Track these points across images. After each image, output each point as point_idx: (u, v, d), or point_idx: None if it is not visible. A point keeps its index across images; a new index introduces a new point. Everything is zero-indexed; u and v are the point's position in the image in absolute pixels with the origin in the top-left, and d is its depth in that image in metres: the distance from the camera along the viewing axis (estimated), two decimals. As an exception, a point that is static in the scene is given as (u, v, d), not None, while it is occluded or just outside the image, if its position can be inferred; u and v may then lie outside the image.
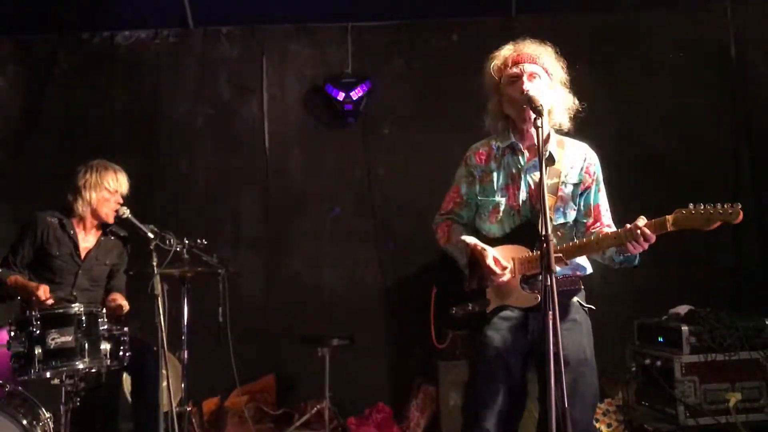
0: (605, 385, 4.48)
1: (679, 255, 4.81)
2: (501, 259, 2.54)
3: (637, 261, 2.48)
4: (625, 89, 5.16)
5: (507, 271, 2.52)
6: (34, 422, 3.05)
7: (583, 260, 2.65)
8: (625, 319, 4.55)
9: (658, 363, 4.10)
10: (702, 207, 2.23)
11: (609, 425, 4.49)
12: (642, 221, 2.32)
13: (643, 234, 2.30)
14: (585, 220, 2.65)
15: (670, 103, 5.14)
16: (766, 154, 5.07)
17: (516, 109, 2.57)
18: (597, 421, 4.39)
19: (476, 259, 2.59)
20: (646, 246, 2.34)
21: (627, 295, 4.88)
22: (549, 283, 2.10)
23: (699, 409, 3.92)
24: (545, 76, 2.58)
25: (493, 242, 2.63)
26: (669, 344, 4.14)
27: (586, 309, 2.63)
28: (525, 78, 2.53)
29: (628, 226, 2.35)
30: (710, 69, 5.23)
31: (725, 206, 2.21)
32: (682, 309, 4.35)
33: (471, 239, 2.64)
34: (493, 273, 2.52)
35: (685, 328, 4.04)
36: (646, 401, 4.25)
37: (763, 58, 5.15)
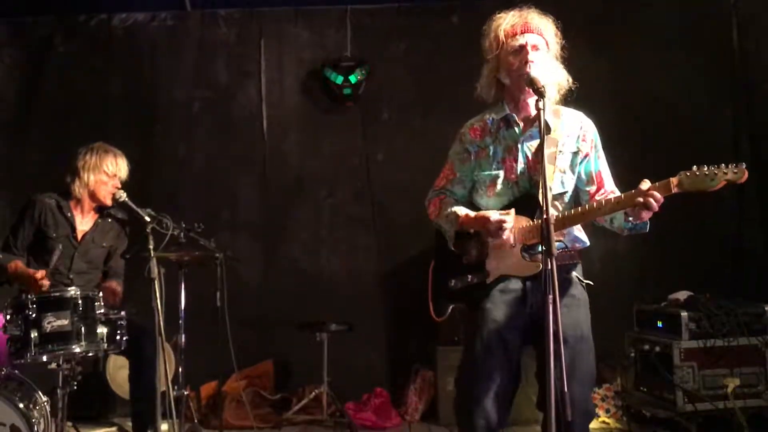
0: (604, 370, 4.48)
1: (679, 240, 4.82)
2: (503, 214, 2.48)
3: (647, 227, 2.44)
4: (624, 71, 5.13)
5: (509, 223, 2.46)
6: (31, 406, 3.04)
7: (580, 233, 2.62)
8: (624, 304, 4.54)
9: (657, 349, 4.10)
10: (706, 168, 2.20)
11: (607, 411, 4.50)
12: (646, 185, 2.29)
13: (650, 194, 2.25)
14: (588, 189, 2.62)
15: (670, 87, 5.11)
16: (767, 137, 5.04)
17: (514, 79, 2.55)
18: (596, 406, 4.39)
19: (471, 226, 2.56)
20: (655, 207, 2.28)
21: (626, 280, 4.89)
22: (549, 267, 2.08)
23: (697, 394, 3.92)
24: (545, 49, 2.56)
25: None
26: (668, 330, 4.14)
27: (584, 284, 2.61)
28: (529, 49, 2.50)
29: (633, 191, 2.32)
30: (712, 52, 5.19)
31: (729, 166, 2.18)
32: (682, 295, 4.34)
33: (462, 210, 2.62)
34: (498, 225, 2.44)
35: (684, 314, 4.04)
36: (645, 387, 4.25)
37: (765, 41, 5.11)
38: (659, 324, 4.23)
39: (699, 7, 5.21)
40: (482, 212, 2.55)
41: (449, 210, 2.67)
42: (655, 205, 2.28)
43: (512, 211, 2.49)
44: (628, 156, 4.39)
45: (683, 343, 3.99)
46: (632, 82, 5.13)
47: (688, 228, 4.76)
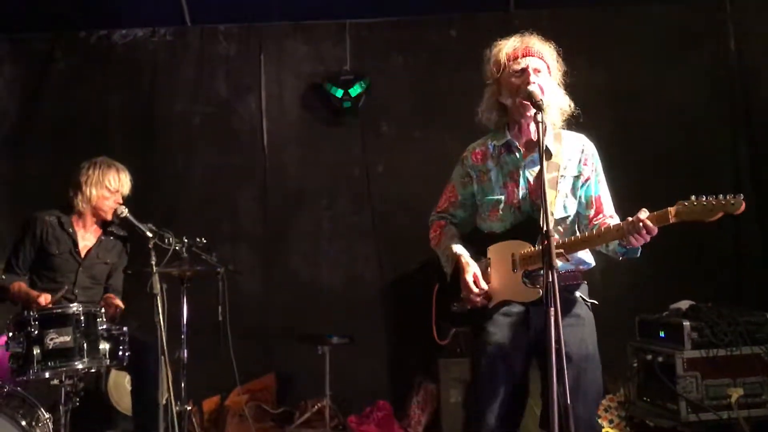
0: (606, 381, 4.47)
1: (679, 250, 4.81)
2: (481, 280, 2.56)
3: (639, 252, 2.46)
4: (622, 83, 5.15)
5: (480, 298, 2.55)
6: (34, 423, 3.04)
7: (585, 254, 2.63)
8: (626, 314, 4.54)
9: (660, 359, 4.09)
10: (704, 198, 2.21)
11: (611, 421, 4.48)
12: (644, 214, 2.30)
13: (645, 226, 2.28)
14: (587, 213, 2.63)
15: (669, 97, 5.13)
16: (765, 147, 5.05)
17: (515, 101, 2.56)
18: (599, 417, 4.38)
19: (461, 274, 2.60)
20: (648, 238, 2.31)
21: (628, 290, 4.88)
22: (551, 279, 2.09)
23: (701, 404, 3.91)
24: (547, 74, 2.57)
25: (495, 239, 2.62)
26: (670, 340, 4.12)
27: (589, 304, 2.61)
28: (531, 71, 2.52)
29: (630, 219, 2.33)
30: (709, 61, 5.22)
31: (727, 197, 2.19)
32: (683, 304, 4.33)
33: (458, 249, 2.65)
34: (470, 290, 2.53)
35: (686, 323, 4.03)
36: (648, 397, 4.23)
37: (762, 51, 5.14)
38: (661, 334, 4.22)
39: (696, 18, 5.23)
40: (465, 269, 2.58)
41: (447, 244, 2.70)
42: (648, 237, 2.30)
43: (485, 289, 2.55)
44: (627, 166, 4.40)
45: (686, 352, 3.97)
46: (630, 92, 5.15)
47: (687, 237, 4.76)
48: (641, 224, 2.28)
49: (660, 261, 4.75)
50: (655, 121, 5.14)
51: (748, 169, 5.08)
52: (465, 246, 2.69)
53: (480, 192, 2.68)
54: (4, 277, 3.65)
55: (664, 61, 5.18)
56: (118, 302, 3.74)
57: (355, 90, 5.18)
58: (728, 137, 5.17)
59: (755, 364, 3.97)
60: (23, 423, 2.97)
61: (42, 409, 3.13)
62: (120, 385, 4.51)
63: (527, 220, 2.55)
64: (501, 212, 2.61)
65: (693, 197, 2.23)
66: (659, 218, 2.28)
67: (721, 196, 2.19)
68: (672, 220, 2.26)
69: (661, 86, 5.14)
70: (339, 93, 5.18)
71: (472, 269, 2.56)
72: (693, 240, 4.86)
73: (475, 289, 2.54)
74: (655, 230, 2.30)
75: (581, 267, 2.62)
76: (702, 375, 3.95)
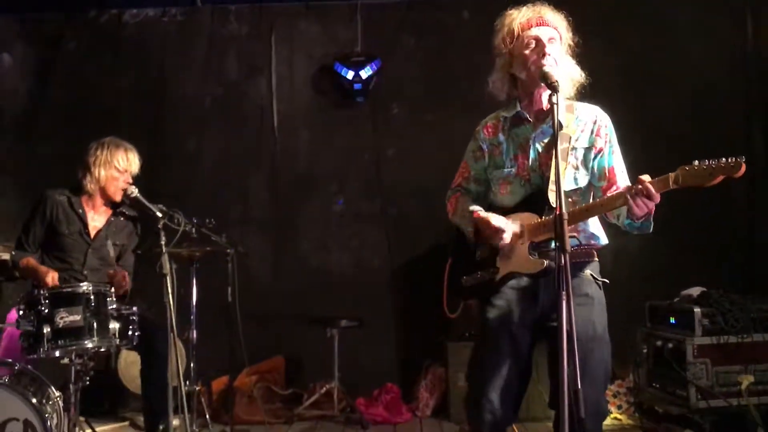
0: (616, 366, 4.46)
1: (691, 236, 4.78)
2: (505, 221, 2.50)
3: (651, 227, 2.41)
4: (637, 66, 5.10)
5: (509, 231, 2.48)
6: (44, 401, 3.05)
7: (597, 230, 2.59)
8: (636, 300, 4.51)
9: (670, 345, 4.06)
10: (705, 162, 2.17)
11: (619, 407, 4.48)
12: (646, 179, 2.26)
13: (644, 188, 2.22)
14: (600, 184, 2.58)
15: (683, 81, 5.07)
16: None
17: (530, 72, 2.53)
18: (607, 402, 4.37)
19: (481, 225, 2.56)
20: (651, 205, 2.25)
21: (639, 276, 4.86)
22: (562, 263, 2.06)
23: (711, 391, 3.89)
24: (559, 44, 2.54)
25: (506, 212, 2.59)
26: (681, 326, 4.10)
27: (600, 283, 2.58)
28: (546, 42, 2.48)
29: (631, 186, 2.29)
30: (725, 45, 5.15)
31: (728, 160, 2.14)
32: (695, 291, 4.30)
33: (476, 207, 2.63)
34: (496, 230, 2.48)
35: (697, 309, 4.00)
36: (658, 383, 4.22)
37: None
38: (672, 320, 4.20)
39: (713, 2, 5.15)
40: (486, 215, 2.54)
41: (464, 207, 2.68)
42: (651, 203, 2.24)
43: (516, 224, 2.49)
44: (639, 151, 4.35)
45: (696, 339, 3.95)
46: (644, 76, 5.09)
47: (699, 223, 4.73)
48: (641, 186, 2.23)
49: (672, 247, 4.74)
50: (668, 105, 5.09)
51: (763, 154, 5.02)
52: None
53: (491, 165, 2.65)
54: (14, 253, 3.67)
55: (680, 44, 5.12)
56: (124, 271, 3.73)
57: (365, 72, 5.13)
58: (743, 122, 5.12)
59: (766, 352, 3.95)
60: (34, 400, 2.99)
61: (52, 387, 3.15)
62: (130, 365, 4.54)
63: (536, 192, 2.53)
64: (511, 185, 2.58)
65: (695, 162, 2.19)
66: (660, 184, 2.23)
67: (722, 159, 2.14)
68: (672, 185, 2.21)
69: (676, 70, 5.08)
70: (349, 75, 5.14)
71: (492, 215, 2.52)
72: (705, 226, 4.82)
73: (501, 225, 2.47)
74: (657, 197, 2.23)
75: (592, 242, 2.58)
76: (712, 362, 3.93)
